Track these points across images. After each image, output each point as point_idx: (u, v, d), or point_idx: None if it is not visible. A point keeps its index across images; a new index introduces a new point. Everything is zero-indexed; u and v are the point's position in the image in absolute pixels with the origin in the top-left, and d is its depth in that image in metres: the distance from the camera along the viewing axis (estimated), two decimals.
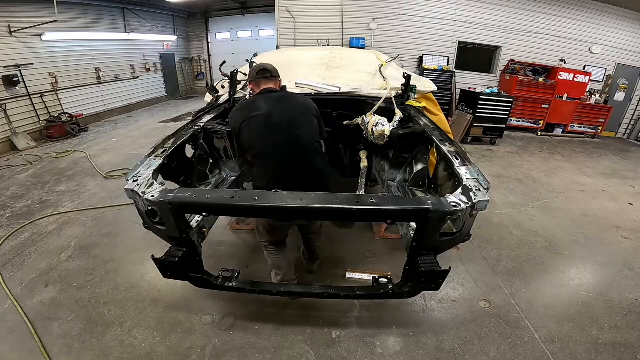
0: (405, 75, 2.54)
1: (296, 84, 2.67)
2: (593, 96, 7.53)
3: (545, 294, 2.46)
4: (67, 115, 6.67)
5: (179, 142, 1.97)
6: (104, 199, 3.78)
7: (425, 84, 2.90)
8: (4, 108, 5.66)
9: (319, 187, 1.71)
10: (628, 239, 3.26)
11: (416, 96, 2.66)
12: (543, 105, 7.37)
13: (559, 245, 3.10)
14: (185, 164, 2.15)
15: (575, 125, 7.61)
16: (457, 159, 1.69)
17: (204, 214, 1.73)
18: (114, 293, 2.35)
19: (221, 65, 2.72)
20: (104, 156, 5.31)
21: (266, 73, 1.96)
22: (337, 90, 2.56)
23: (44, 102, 6.45)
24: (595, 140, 7.66)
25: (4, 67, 5.73)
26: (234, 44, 11.57)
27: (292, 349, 1.94)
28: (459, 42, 7.71)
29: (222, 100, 2.73)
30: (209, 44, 12.04)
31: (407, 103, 2.54)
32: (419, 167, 2.26)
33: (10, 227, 3.16)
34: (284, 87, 2.11)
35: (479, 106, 6.38)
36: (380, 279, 1.76)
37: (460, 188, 1.47)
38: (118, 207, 3.57)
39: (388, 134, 2.15)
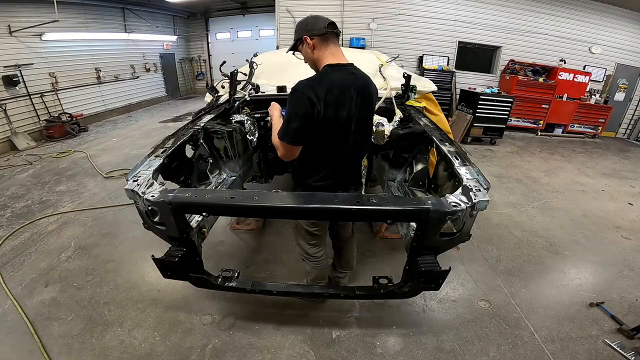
0: (405, 75, 2.54)
1: None
2: (593, 96, 7.53)
3: (545, 294, 2.46)
4: (67, 115, 6.68)
5: (179, 142, 1.97)
6: (104, 199, 3.78)
7: (425, 84, 2.90)
8: (4, 108, 5.67)
9: None
10: (628, 239, 3.26)
11: (416, 96, 2.66)
12: (543, 105, 7.37)
13: (559, 245, 3.10)
14: (185, 164, 2.15)
15: (575, 125, 7.61)
16: (457, 159, 1.69)
17: (204, 214, 1.73)
18: (114, 293, 2.35)
19: (221, 65, 2.72)
20: (103, 156, 5.31)
21: (335, 27, 1.51)
22: None
23: (44, 102, 6.45)
24: (595, 140, 7.66)
25: (4, 67, 5.74)
26: (234, 44, 11.57)
27: (292, 349, 1.94)
28: (459, 42, 7.71)
29: (222, 100, 2.73)
30: (209, 44, 12.04)
31: (407, 103, 2.54)
32: (419, 167, 2.26)
33: (10, 227, 3.16)
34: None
35: (479, 106, 6.39)
36: (380, 279, 1.76)
37: (460, 188, 1.47)
38: (118, 207, 3.57)
39: (388, 134, 2.15)
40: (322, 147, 1.53)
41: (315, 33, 1.46)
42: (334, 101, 1.41)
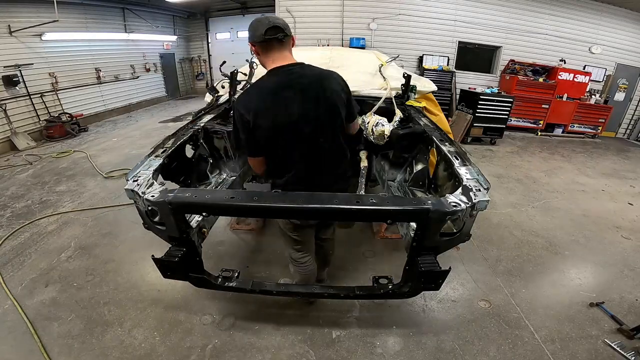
0: (405, 75, 2.53)
1: None
2: (593, 96, 7.53)
3: (545, 294, 2.46)
4: (67, 115, 6.67)
5: (179, 142, 1.96)
6: (104, 199, 3.78)
7: (425, 84, 2.90)
8: (4, 108, 5.66)
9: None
10: (628, 239, 3.26)
11: (416, 96, 2.66)
12: (543, 105, 7.37)
13: (559, 245, 3.10)
14: (185, 164, 2.15)
15: (575, 125, 7.61)
16: (457, 159, 1.69)
17: (204, 214, 1.73)
18: (114, 293, 2.35)
19: (221, 65, 2.72)
20: (103, 156, 5.31)
21: (278, 31, 1.38)
22: None
23: (44, 102, 6.45)
24: (595, 140, 7.66)
25: (4, 67, 5.73)
26: (234, 44, 11.55)
27: (292, 349, 1.94)
28: (459, 42, 7.71)
29: (222, 100, 2.73)
30: (209, 44, 12.03)
31: (407, 103, 2.54)
32: (419, 167, 2.26)
33: (10, 227, 3.16)
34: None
35: (479, 106, 6.39)
36: (380, 279, 1.76)
37: (460, 188, 1.47)
38: (118, 207, 3.57)
39: (388, 134, 2.15)
40: (278, 153, 1.52)
41: (256, 40, 1.39)
42: (265, 107, 1.39)
